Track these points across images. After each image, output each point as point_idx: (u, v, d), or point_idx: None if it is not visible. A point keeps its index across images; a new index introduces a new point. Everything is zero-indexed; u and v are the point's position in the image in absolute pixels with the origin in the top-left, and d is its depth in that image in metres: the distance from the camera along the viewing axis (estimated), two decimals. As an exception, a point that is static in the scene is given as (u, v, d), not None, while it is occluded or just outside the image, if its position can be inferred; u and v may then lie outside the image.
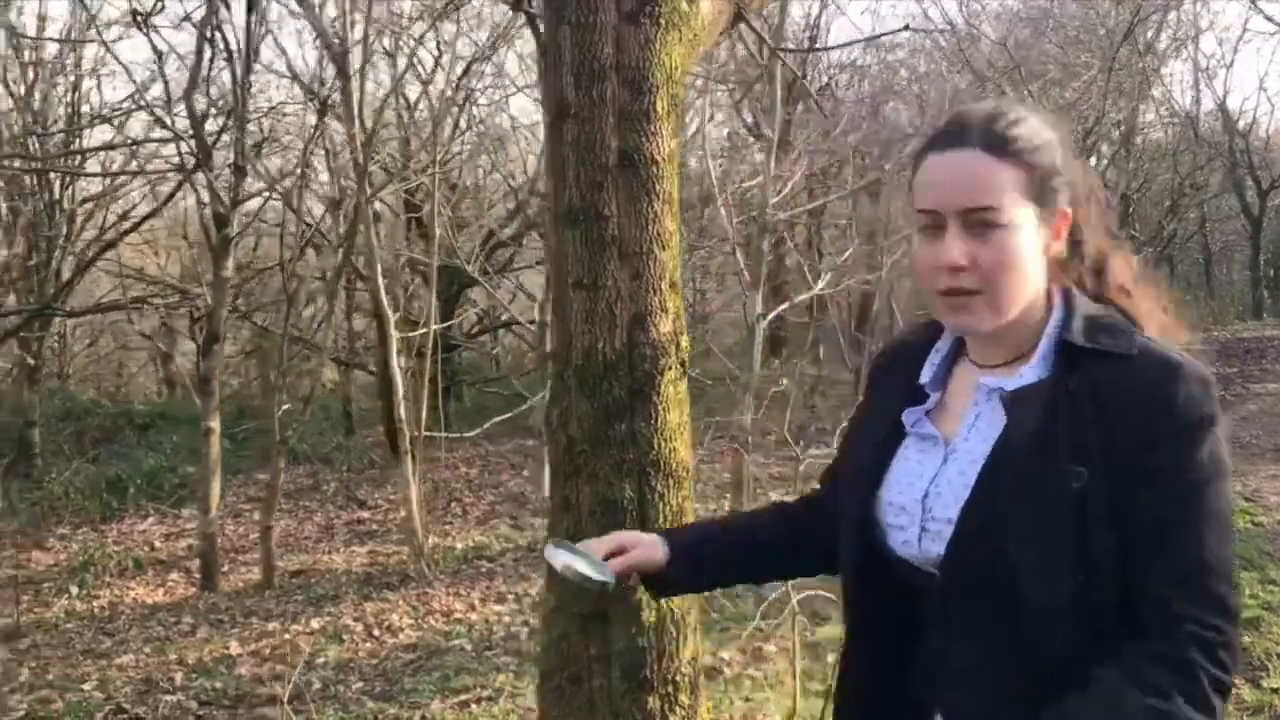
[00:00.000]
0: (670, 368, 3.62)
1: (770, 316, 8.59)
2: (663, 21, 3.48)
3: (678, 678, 3.72)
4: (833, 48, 11.97)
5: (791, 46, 11.57)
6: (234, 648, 6.88)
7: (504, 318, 16.13)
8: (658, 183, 3.53)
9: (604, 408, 3.58)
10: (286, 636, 7.03)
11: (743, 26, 4.30)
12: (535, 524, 9.41)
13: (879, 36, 10.93)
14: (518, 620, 6.97)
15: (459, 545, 8.85)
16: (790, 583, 4.59)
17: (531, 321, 10.72)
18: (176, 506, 10.89)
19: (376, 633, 6.98)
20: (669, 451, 3.63)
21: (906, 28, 11.62)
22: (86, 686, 6.35)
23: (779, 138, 8.63)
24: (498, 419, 9.31)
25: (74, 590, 8.40)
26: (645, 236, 3.55)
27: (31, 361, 12.36)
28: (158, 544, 9.74)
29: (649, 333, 3.57)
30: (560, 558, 1.76)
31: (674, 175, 3.61)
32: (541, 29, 9.59)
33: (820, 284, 8.94)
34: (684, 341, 3.68)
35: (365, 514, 10.46)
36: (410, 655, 6.50)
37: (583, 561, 1.75)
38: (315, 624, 7.24)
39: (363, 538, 9.63)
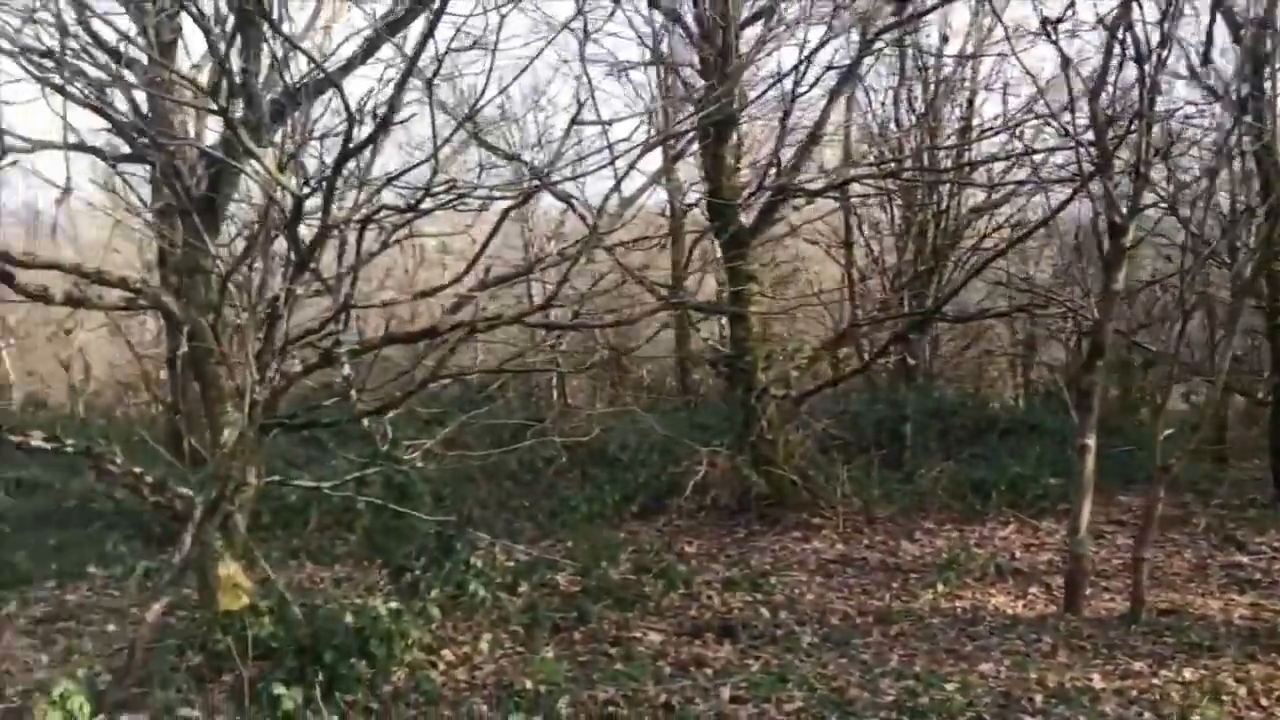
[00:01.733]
0: None
1: None
2: None
3: None
4: None
5: None
6: (1096, 681, 6.51)
7: None
8: None
9: None
10: (1155, 682, 6.48)
11: None
12: None
13: None
14: None
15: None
16: None
17: None
18: (1036, 517, 10.81)
19: (1264, 701, 6.10)
20: None
21: None
22: (949, 686, 6.45)
23: None
24: None
25: (939, 586, 8.70)
26: None
27: (911, 361, 13.21)
28: (1018, 553, 9.72)
29: None
30: None
31: None
32: None
33: None
34: None
35: (1244, 558, 9.34)
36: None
37: None
38: (1188, 674, 6.56)
39: (1242, 585, 8.60)
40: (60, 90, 6.82)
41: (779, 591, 8.74)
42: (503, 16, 6.11)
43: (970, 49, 14.07)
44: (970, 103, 14.15)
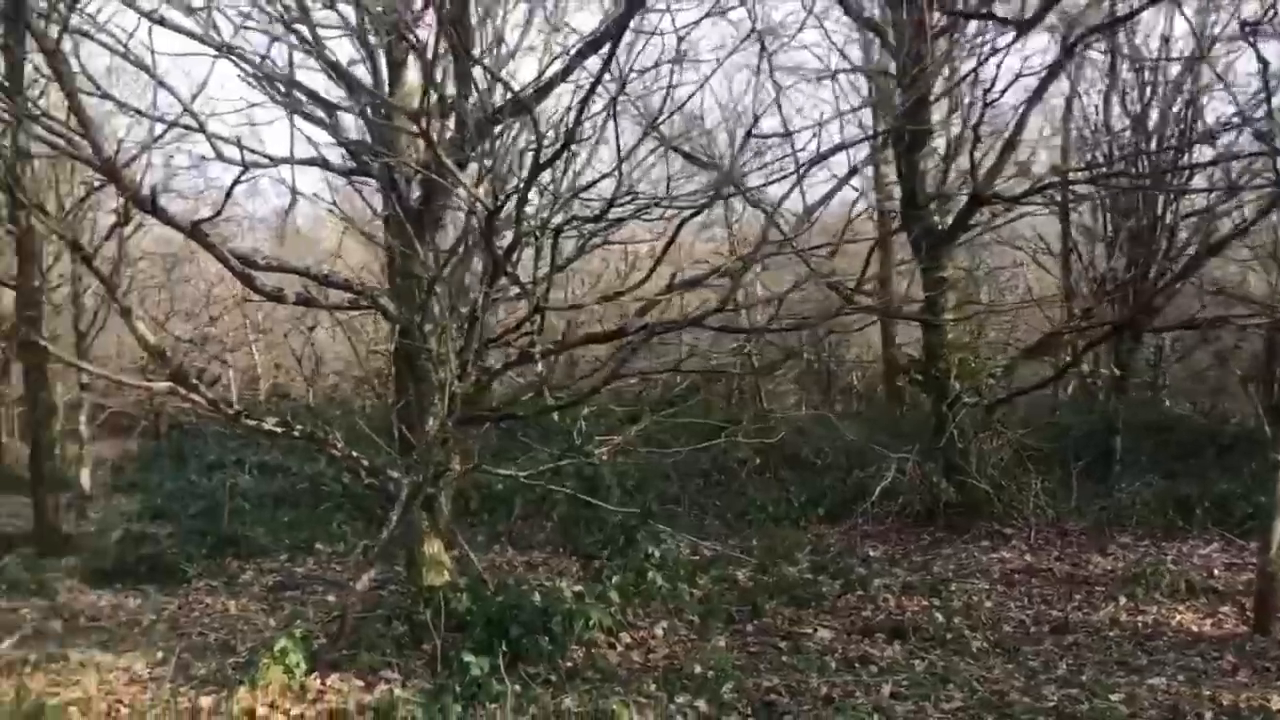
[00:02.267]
0: None
1: None
2: None
3: None
4: None
5: None
6: (1275, 702, 6.32)
7: None
8: None
9: None
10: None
11: None
12: None
13: None
14: None
15: None
16: None
17: None
18: (1243, 536, 10.34)
19: None
20: None
21: None
22: (1114, 697, 6.42)
23: None
24: None
25: (1122, 600, 8.55)
26: None
27: (1117, 372, 12.78)
28: (1216, 572, 9.35)
29: None
30: None
31: None
32: None
33: None
34: None
35: None
36: None
37: None
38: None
39: None
40: (298, 111, 7.66)
41: (957, 598, 8.74)
42: (680, 39, 6.50)
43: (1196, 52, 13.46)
44: (1189, 104, 13.53)
